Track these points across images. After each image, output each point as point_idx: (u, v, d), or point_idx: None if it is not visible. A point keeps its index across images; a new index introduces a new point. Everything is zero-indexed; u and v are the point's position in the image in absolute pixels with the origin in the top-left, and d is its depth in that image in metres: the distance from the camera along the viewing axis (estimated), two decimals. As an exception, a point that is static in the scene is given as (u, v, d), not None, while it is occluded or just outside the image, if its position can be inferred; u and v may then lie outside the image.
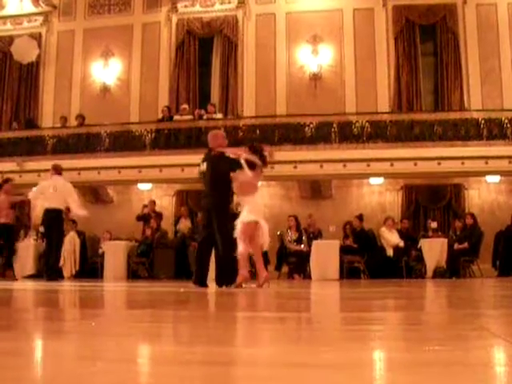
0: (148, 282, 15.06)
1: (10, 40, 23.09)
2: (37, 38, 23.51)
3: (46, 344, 2.81)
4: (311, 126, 19.71)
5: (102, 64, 23.30)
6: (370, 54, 21.52)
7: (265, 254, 13.98)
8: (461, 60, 21.00)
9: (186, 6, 22.98)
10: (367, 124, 19.54)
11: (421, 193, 20.81)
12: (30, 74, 23.75)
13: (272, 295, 7.98)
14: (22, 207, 21.68)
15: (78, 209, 14.51)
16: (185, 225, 19.31)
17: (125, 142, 20.78)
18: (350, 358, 2.26)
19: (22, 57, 22.26)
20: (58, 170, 14.72)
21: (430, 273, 16.58)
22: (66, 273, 17.64)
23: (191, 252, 17.54)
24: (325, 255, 16.57)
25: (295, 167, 18.57)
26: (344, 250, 17.16)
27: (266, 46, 22.20)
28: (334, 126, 19.67)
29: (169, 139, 20.59)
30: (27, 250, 18.15)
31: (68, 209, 14.90)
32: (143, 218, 19.16)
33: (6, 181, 15.65)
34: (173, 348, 2.67)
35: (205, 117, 20.94)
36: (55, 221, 14.32)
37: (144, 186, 21.80)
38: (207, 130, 20.30)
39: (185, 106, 21.42)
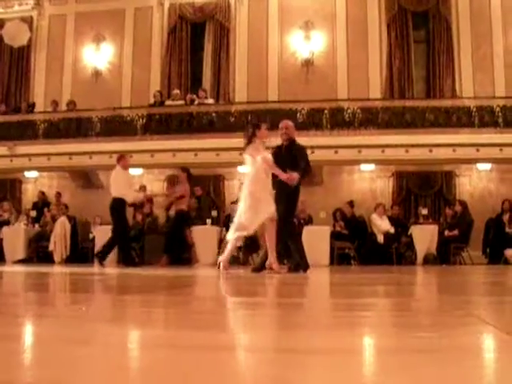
0: (138, 267, 15.04)
1: (1, 23, 22.91)
2: (28, 21, 23.36)
3: (36, 329, 2.81)
4: (303, 111, 19.68)
5: (94, 48, 23.18)
6: (363, 40, 21.48)
7: (255, 241, 13.99)
8: (453, 47, 20.99)
9: (178, -9, 22.91)
10: (359, 110, 19.53)
11: (412, 179, 20.83)
12: (21, 57, 23.62)
13: (262, 281, 7.99)
14: (13, 191, 21.65)
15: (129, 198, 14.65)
16: (176, 210, 19.26)
17: (116, 126, 20.72)
18: (340, 344, 2.27)
19: (13, 40, 22.12)
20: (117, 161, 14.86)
21: (420, 259, 16.60)
22: (57, 258, 17.60)
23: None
24: (315, 241, 16.54)
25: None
26: (335, 236, 17.18)
27: (259, 32, 22.14)
28: (326, 112, 19.66)
29: (160, 124, 20.56)
30: (17, 234, 18.12)
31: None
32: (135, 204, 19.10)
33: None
34: (163, 333, 2.68)
35: (196, 102, 20.91)
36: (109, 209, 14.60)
37: (135, 171, 21.76)
38: (199, 115, 20.32)
39: (176, 91, 21.38)
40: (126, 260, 14.50)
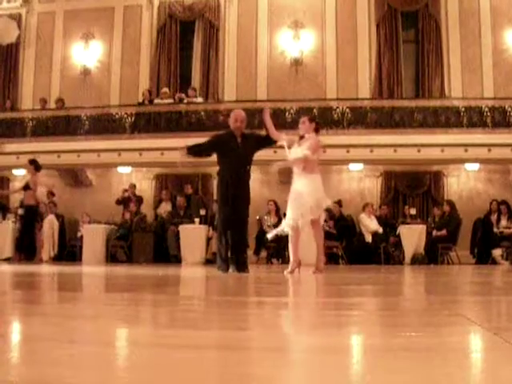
0: (127, 265, 15.03)
1: (-10, 21, 22.88)
2: (17, 19, 23.29)
3: (23, 327, 2.80)
4: (291, 111, 19.69)
5: (83, 46, 23.09)
6: (352, 40, 21.50)
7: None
8: (442, 47, 21.03)
9: (167, -11, 22.86)
10: (348, 110, 19.55)
11: (400, 179, 20.85)
12: (10, 55, 23.50)
13: (250, 280, 7.99)
14: (1, 189, 21.57)
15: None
16: (164, 209, 19.27)
17: (105, 125, 20.68)
18: (327, 343, 2.26)
19: (1, 38, 22.06)
20: None
21: (408, 259, 16.62)
22: (45, 256, 17.55)
23: (170, 236, 17.54)
24: (303, 240, 16.56)
25: (275, 152, 18.53)
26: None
27: (248, 31, 22.11)
28: (315, 111, 19.64)
29: (149, 123, 20.52)
30: (5, 232, 18.06)
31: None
32: (123, 202, 19.10)
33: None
34: (150, 331, 2.67)
35: (185, 101, 20.89)
36: None
37: (123, 170, 21.72)
38: (187, 114, 20.30)
39: (165, 89, 21.35)
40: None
